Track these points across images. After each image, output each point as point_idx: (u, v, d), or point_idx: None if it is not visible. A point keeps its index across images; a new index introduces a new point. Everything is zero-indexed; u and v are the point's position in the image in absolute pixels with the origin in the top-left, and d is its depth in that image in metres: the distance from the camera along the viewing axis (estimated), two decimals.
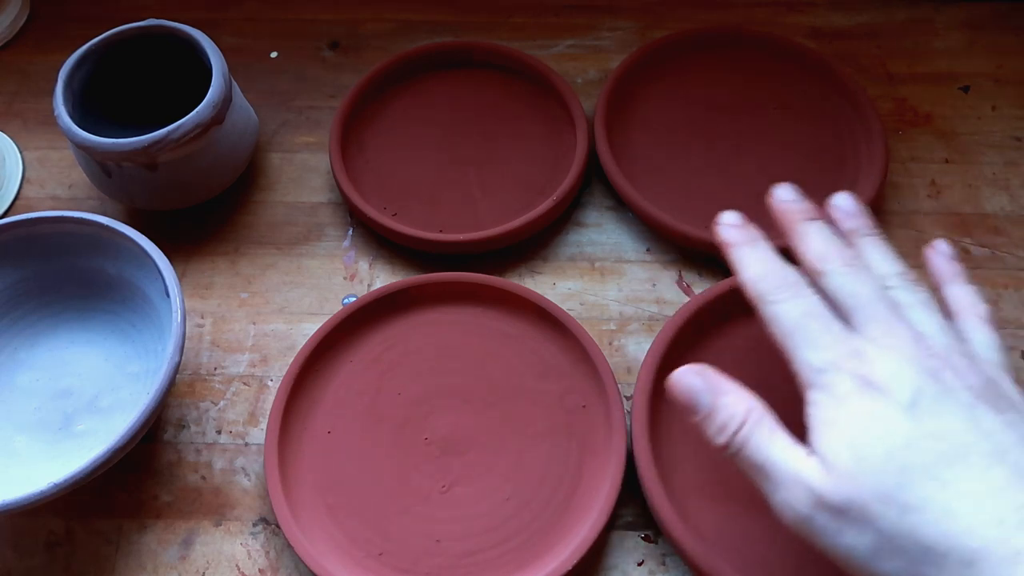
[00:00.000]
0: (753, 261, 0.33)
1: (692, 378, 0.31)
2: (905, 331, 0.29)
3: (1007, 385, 0.29)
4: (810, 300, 0.30)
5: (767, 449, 0.29)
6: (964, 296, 0.34)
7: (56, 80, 0.47)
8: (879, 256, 0.33)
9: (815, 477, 0.27)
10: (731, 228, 0.35)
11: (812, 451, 0.28)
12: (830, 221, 0.35)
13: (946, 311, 0.33)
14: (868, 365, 0.28)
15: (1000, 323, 0.47)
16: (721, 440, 0.30)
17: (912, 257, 0.49)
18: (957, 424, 0.26)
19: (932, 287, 0.34)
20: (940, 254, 0.36)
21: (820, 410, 0.28)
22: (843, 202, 0.36)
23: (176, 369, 0.40)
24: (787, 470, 0.28)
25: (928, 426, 0.26)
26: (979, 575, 0.24)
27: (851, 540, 0.26)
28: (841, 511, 0.26)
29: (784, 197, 0.35)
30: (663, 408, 0.43)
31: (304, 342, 0.45)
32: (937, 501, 0.25)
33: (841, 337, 0.29)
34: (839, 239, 0.33)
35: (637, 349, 0.47)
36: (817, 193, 0.51)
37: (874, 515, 0.26)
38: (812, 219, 0.34)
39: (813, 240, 0.33)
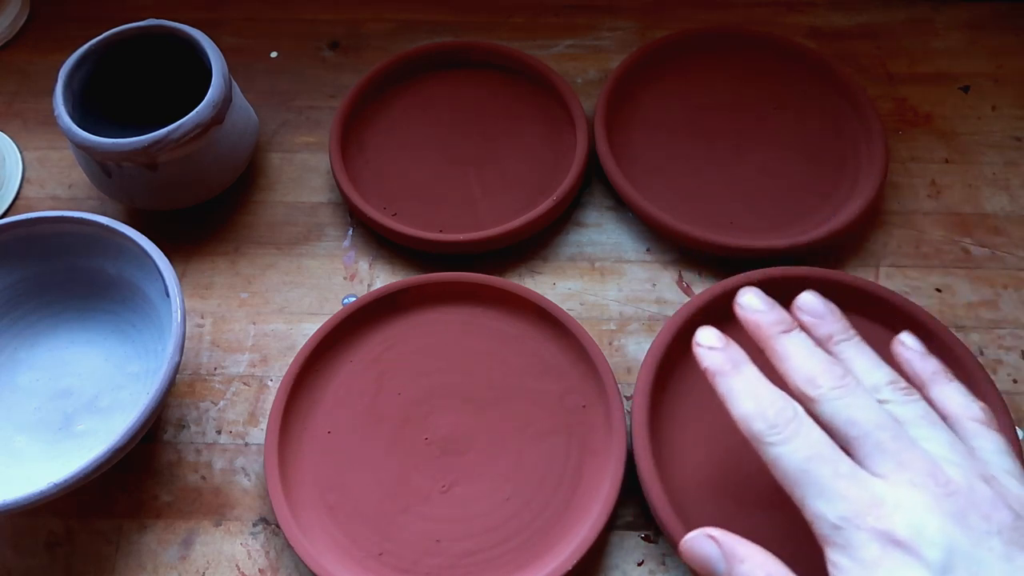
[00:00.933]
0: (743, 395, 0.30)
1: (705, 545, 0.29)
2: (918, 461, 0.27)
3: None
4: (813, 439, 0.28)
5: None
6: (954, 398, 0.31)
7: (56, 80, 0.47)
8: (864, 364, 0.31)
9: None
10: (712, 352, 0.32)
11: None
12: (802, 326, 0.33)
13: (939, 414, 0.31)
14: (888, 518, 0.26)
15: (1000, 323, 0.47)
16: None
17: (911, 257, 0.50)
18: None
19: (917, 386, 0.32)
20: (911, 351, 0.33)
21: (842, 569, 0.26)
22: (810, 304, 0.33)
23: (176, 369, 0.40)
24: None
25: None
26: None
27: None
28: None
29: (753, 307, 0.33)
30: (663, 408, 0.43)
31: (304, 342, 0.45)
32: None
33: (854, 482, 0.27)
34: (820, 351, 0.31)
35: (637, 349, 0.47)
36: (817, 193, 0.51)
37: None
38: (787, 331, 0.31)
39: (795, 359, 0.30)
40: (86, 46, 0.49)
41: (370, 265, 0.51)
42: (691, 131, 0.54)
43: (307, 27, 0.63)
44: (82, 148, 0.46)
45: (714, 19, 0.62)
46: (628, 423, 0.42)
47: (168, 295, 0.41)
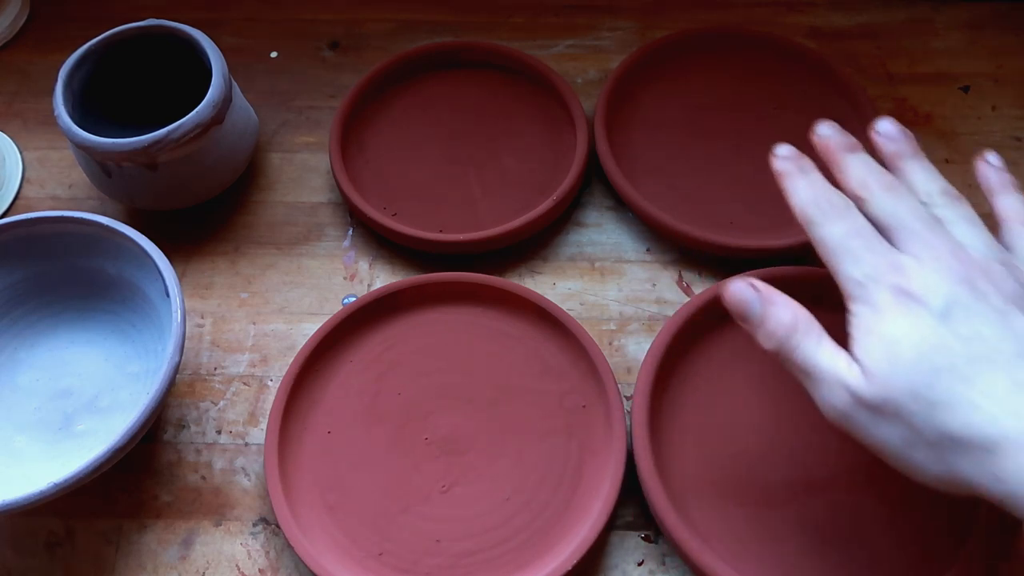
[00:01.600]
0: (802, 188, 0.34)
1: (744, 289, 0.33)
2: (944, 244, 0.31)
3: None
4: (855, 221, 0.32)
5: (813, 355, 0.31)
6: (1011, 205, 0.35)
7: (56, 80, 0.47)
8: (922, 176, 0.35)
9: (854, 380, 0.29)
10: (783, 160, 0.36)
11: (853, 358, 0.30)
12: (873, 152, 0.36)
13: (994, 223, 0.34)
14: (906, 277, 0.30)
15: None
16: (770, 346, 0.32)
17: None
18: (986, 327, 0.29)
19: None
20: (990, 166, 0.37)
21: (860, 320, 0.30)
22: (885, 127, 0.37)
23: (176, 369, 0.40)
24: (830, 373, 0.30)
25: (959, 330, 0.29)
26: (1000, 460, 0.26)
27: (886, 434, 0.29)
28: (877, 408, 0.29)
29: (825, 132, 0.37)
30: (663, 408, 0.43)
31: (304, 342, 0.45)
32: (963, 397, 0.27)
33: (882, 252, 0.31)
34: (880, 166, 0.35)
35: (637, 349, 0.47)
36: None
37: (906, 411, 0.28)
38: (853, 151, 0.35)
39: (854, 169, 0.34)
40: (86, 46, 0.49)
41: (370, 265, 0.51)
42: (691, 131, 0.54)
43: (307, 27, 0.63)
44: (82, 148, 0.46)
45: (714, 19, 0.62)
46: (628, 423, 0.42)
47: (168, 295, 0.41)
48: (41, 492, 0.36)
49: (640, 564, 0.40)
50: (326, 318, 0.46)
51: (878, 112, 0.52)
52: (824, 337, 0.32)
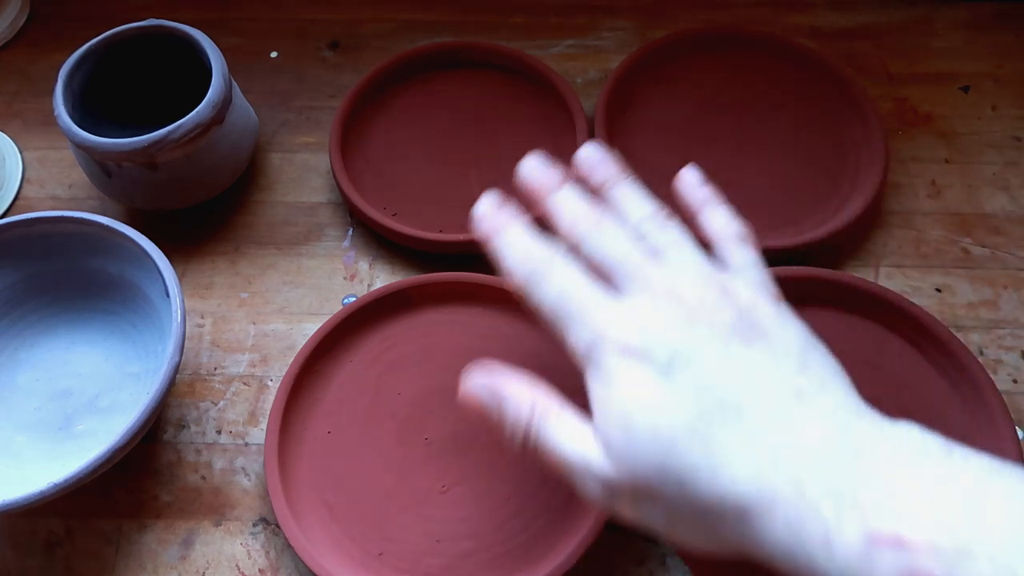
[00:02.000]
0: (508, 250, 0.31)
1: (476, 383, 0.30)
2: (660, 281, 0.28)
3: (762, 309, 0.28)
4: (565, 273, 0.29)
5: (555, 441, 0.27)
6: (716, 220, 0.33)
7: (56, 80, 0.47)
8: (631, 201, 0.32)
9: (600, 463, 0.26)
10: (482, 221, 0.32)
11: (596, 436, 0.27)
12: (581, 181, 0.33)
13: (704, 241, 0.32)
14: (627, 330, 0.27)
15: (1000, 323, 0.47)
16: (516, 444, 0.28)
17: (911, 257, 0.50)
18: (710, 375, 0.26)
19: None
20: (687, 184, 0.35)
21: (593, 388, 0.27)
22: (587, 153, 0.34)
23: (176, 369, 0.40)
24: (577, 460, 0.27)
25: (685, 384, 0.26)
26: (753, 523, 0.24)
27: (647, 515, 0.26)
28: (630, 492, 0.26)
29: (525, 172, 0.34)
30: None
31: (304, 342, 0.45)
32: (703, 463, 0.24)
33: (602, 305, 0.28)
34: (589, 199, 0.32)
35: None
36: (817, 193, 0.51)
37: (657, 491, 0.25)
38: (559, 188, 0.32)
39: (562, 211, 0.31)
40: (86, 46, 0.49)
41: (370, 265, 0.51)
42: (691, 131, 0.54)
43: (307, 27, 0.63)
44: (82, 148, 0.46)
45: (714, 19, 0.62)
46: None
47: (168, 295, 0.41)
48: (41, 492, 0.36)
49: (640, 564, 0.40)
50: (326, 318, 0.46)
51: (878, 112, 0.52)
52: (563, 414, 0.28)
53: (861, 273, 0.49)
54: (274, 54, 0.62)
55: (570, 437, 0.27)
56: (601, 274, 0.30)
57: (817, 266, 0.46)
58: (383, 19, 0.63)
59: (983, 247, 0.50)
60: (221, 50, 0.49)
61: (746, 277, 0.30)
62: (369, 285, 0.50)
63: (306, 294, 0.50)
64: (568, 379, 0.44)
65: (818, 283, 0.45)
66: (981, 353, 0.46)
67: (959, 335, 0.45)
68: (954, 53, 0.59)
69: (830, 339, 0.45)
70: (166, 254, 0.43)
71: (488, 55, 0.57)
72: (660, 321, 0.27)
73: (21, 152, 0.57)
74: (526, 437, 0.28)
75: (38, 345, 0.46)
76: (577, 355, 0.28)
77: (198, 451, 0.45)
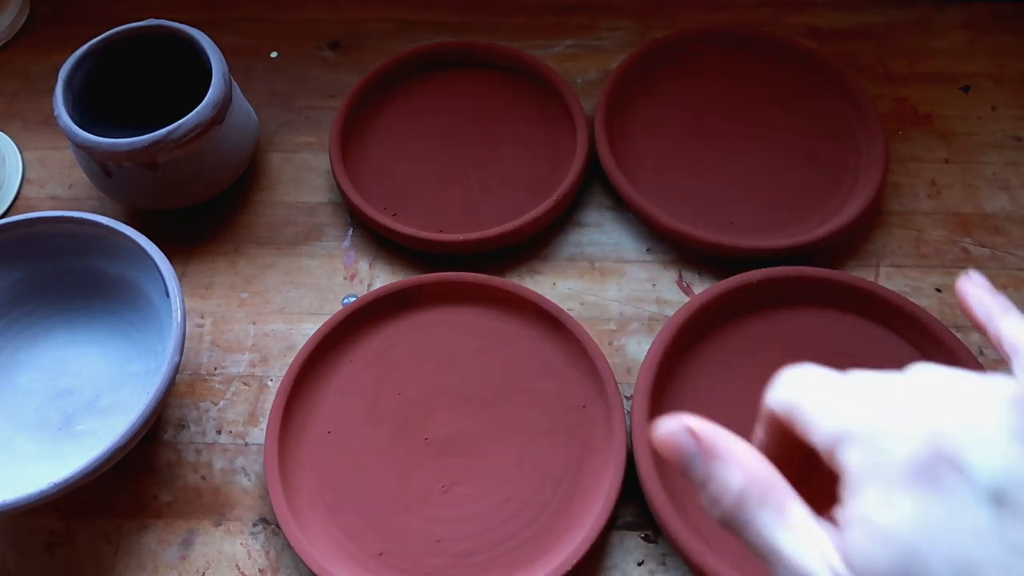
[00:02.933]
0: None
1: (683, 437, 0.24)
2: None
3: None
4: None
5: (771, 535, 0.22)
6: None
7: (56, 80, 0.47)
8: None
9: None
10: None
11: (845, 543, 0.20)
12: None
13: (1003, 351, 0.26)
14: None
15: None
16: (715, 514, 0.23)
17: (911, 257, 0.50)
18: None
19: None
20: (977, 285, 0.29)
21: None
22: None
23: (176, 369, 0.40)
24: (795, 565, 0.21)
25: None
26: None
27: None
28: None
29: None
30: (663, 408, 0.43)
31: (304, 342, 0.45)
32: None
33: None
34: None
35: (637, 349, 0.47)
36: (817, 193, 0.51)
37: None
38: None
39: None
40: (86, 46, 0.49)
41: (370, 265, 0.51)
42: (691, 131, 0.54)
43: (307, 27, 0.63)
44: (82, 148, 0.46)
45: (714, 19, 0.62)
46: (628, 423, 0.42)
47: (168, 295, 0.41)
48: (41, 492, 0.36)
49: (640, 564, 0.40)
50: (326, 318, 0.46)
51: (878, 112, 0.53)
52: (791, 508, 0.22)
53: (861, 273, 0.49)
54: (274, 54, 0.62)
55: (793, 534, 0.21)
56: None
57: (817, 266, 0.46)
58: (383, 19, 0.63)
59: (983, 247, 0.50)
60: (221, 50, 0.49)
61: None
62: (369, 285, 0.50)
63: (306, 294, 0.50)
64: (567, 379, 0.44)
65: (818, 283, 0.45)
66: (981, 353, 0.46)
67: (959, 335, 0.45)
68: (954, 53, 0.59)
69: (830, 339, 0.46)
70: (166, 254, 0.43)
71: (488, 55, 0.57)
72: None
73: (21, 152, 0.57)
74: (730, 513, 0.23)
75: (38, 345, 0.46)
76: None
77: (198, 451, 0.44)
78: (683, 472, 0.24)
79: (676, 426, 0.24)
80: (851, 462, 0.20)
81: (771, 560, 0.22)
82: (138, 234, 0.43)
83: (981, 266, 0.49)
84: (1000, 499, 0.18)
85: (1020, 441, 0.18)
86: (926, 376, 0.21)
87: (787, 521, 0.22)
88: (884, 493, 0.19)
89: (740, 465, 0.23)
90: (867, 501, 0.20)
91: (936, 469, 0.19)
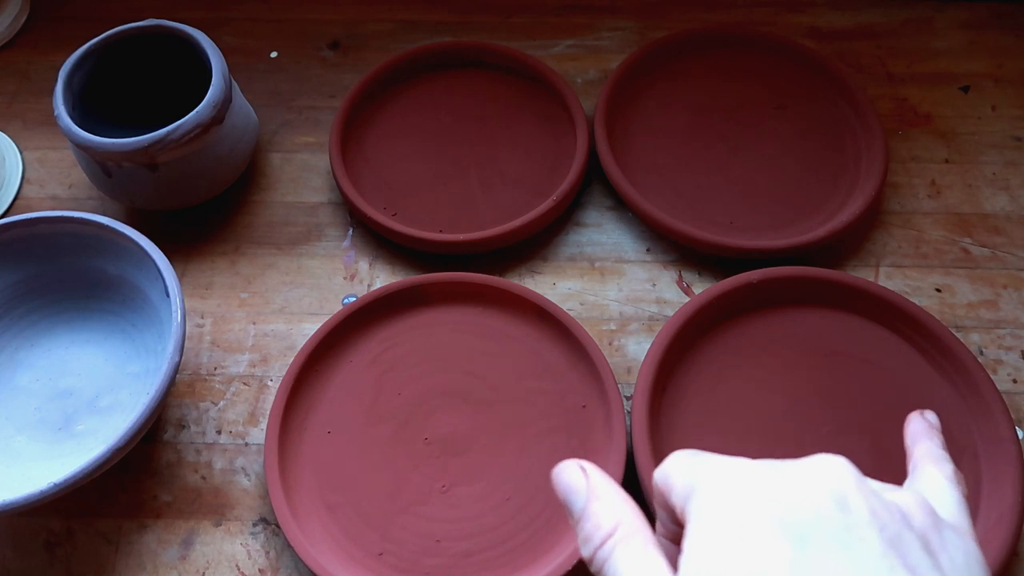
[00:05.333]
0: None
1: (573, 475, 0.27)
2: None
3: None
4: None
5: (625, 570, 0.23)
6: (930, 449, 0.30)
7: (56, 80, 0.47)
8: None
9: None
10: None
11: None
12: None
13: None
14: None
15: (1000, 323, 0.47)
16: (585, 552, 0.25)
17: (911, 257, 0.50)
18: None
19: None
20: (924, 420, 0.31)
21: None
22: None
23: (176, 369, 0.40)
24: None
25: None
26: None
27: None
28: None
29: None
30: (663, 408, 0.43)
31: (304, 342, 0.45)
32: None
33: None
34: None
35: (637, 349, 0.47)
36: (817, 193, 0.51)
37: None
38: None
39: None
40: (86, 46, 0.49)
41: (370, 265, 0.51)
42: (691, 131, 0.54)
43: (307, 27, 0.63)
44: (82, 148, 0.46)
45: (714, 19, 0.62)
46: (628, 423, 0.42)
47: (168, 295, 0.41)
48: (41, 492, 0.36)
49: None
50: (326, 318, 0.46)
51: (878, 112, 0.53)
52: (647, 553, 0.23)
53: (861, 273, 0.49)
54: (274, 54, 0.62)
55: (645, 571, 0.23)
56: None
57: (817, 266, 0.46)
58: (383, 19, 0.63)
59: (983, 247, 0.50)
60: (221, 50, 0.49)
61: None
62: (369, 285, 0.50)
63: (306, 294, 0.50)
64: (567, 379, 0.44)
65: (818, 283, 0.45)
66: (981, 353, 0.46)
67: (959, 335, 0.45)
68: (954, 53, 0.59)
69: (830, 339, 0.46)
70: (166, 254, 0.43)
71: (488, 55, 0.57)
72: None
73: (21, 152, 0.57)
74: (596, 551, 0.24)
75: (38, 345, 0.46)
76: None
77: (198, 451, 0.44)
78: (566, 508, 0.26)
79: (573, 464, 0.27)
80: (690, 511, 0.23)
81: None
82: (138, 234, 0.43)
83: (981, 266, 0.49)
84: (803, 539, 0.20)
85: (831, 503, 0.21)
86: (801, 464, 0.23)
87: (640, 564, 0.23)
88: (710, 540, 0.21)
89: (614, 506, 0.25)
90: (697, 547, 0.22)
91: (758, 518, 0.21)
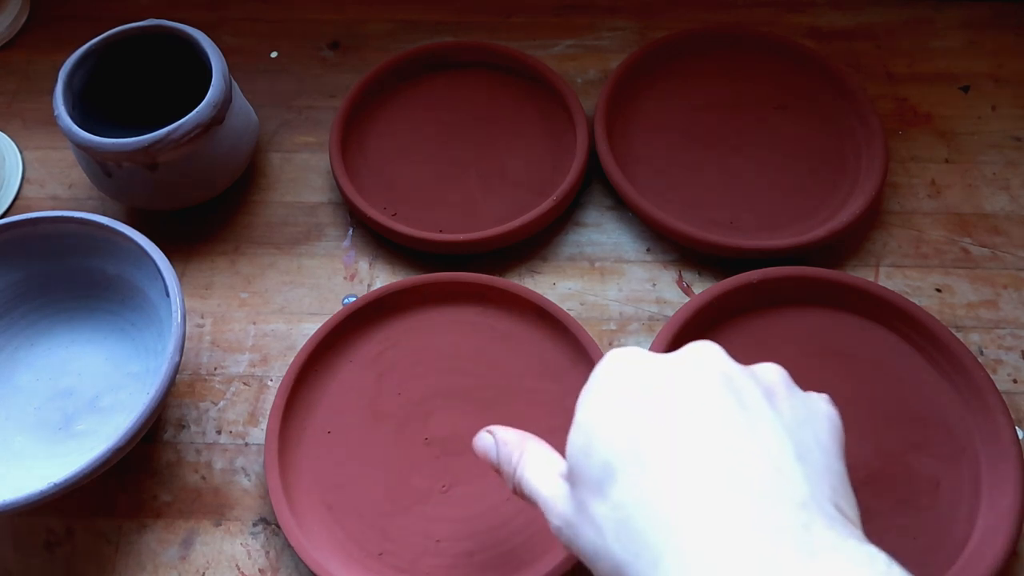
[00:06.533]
0: None
1: (484, 439, 0.32)
2: None
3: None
4: None
5: (531, 480, 0.29)
6: None
7: (56, 80, 0.47)
8: None
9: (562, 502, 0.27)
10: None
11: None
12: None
13: None
14: None
15: (1000, 323, 0.47)
16: (510, 486, 0.30)
17: (911, 257, 0.50)
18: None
19: None
20: None
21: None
22: None
23: (176, 369, 0.40)
24: (538, 492, 0.28)
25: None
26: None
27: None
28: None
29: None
30: None
31: (304, 342, 0.45)
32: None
33: None
34: None
35: None
36: (817, 193, 0.51)
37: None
38: None
39: None
40: (86, 46, 0.49)
41: (370, 265, 0.51)
42: (691, 131, 0.54)
43: (307, 27, 0.63)
44: (82, 148, 0.46)
45: (714, 19, 0.62)
46: None
47: (168, 295, 0.41)
48: (41, 492, 0.36)
49: None
50: (326, 318, 0.46)
51: (878, 112, 0.53)
52: (541, 458, 0.29)
53: (861, 273, 0.49)
54: (274, 54, 0.62)
55: (542, 475, 0.28)
56: None
57: (817, 266, 0.46)
58: (383, 19, 0.63)
59: (983, 247, 0.50)
60: (221, 50, 0.49)
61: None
62: (369, 285, 0.50)
63: (306, 294, 0.50)
64: (567, 379, 0.44)
65: (818, 283, 0.45)
66: (981, 353, 0.46)
67: (959, 335, 0.45)
68: (954, 53, 0.59)
69: (830, 339, 0.46)
70: (166, 254, 0.43)
71: (488, 55, 0.57)
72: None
73: (21, 152, 0.57)
74: (512, 476, 0.30)
75: (38, 345, 0.46)
76: None
77: (198, 451, 0.45)
78: (489, 464, 0.32)
79: (482, 431, 0.32)
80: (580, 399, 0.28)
81: (538, 504, 0.28)
82: (138, 234, 0.43)
83: (981, 266, 0.49)
84: (653, 386, 0.26)
85: (688, 361, 0.27)
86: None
87: (540, 464, 0.29)
88: (583, 405, 0.27)
89: (518, 443, 0.31)
90: (577, 411, 0.27)
91: (610, 379, 0.27)
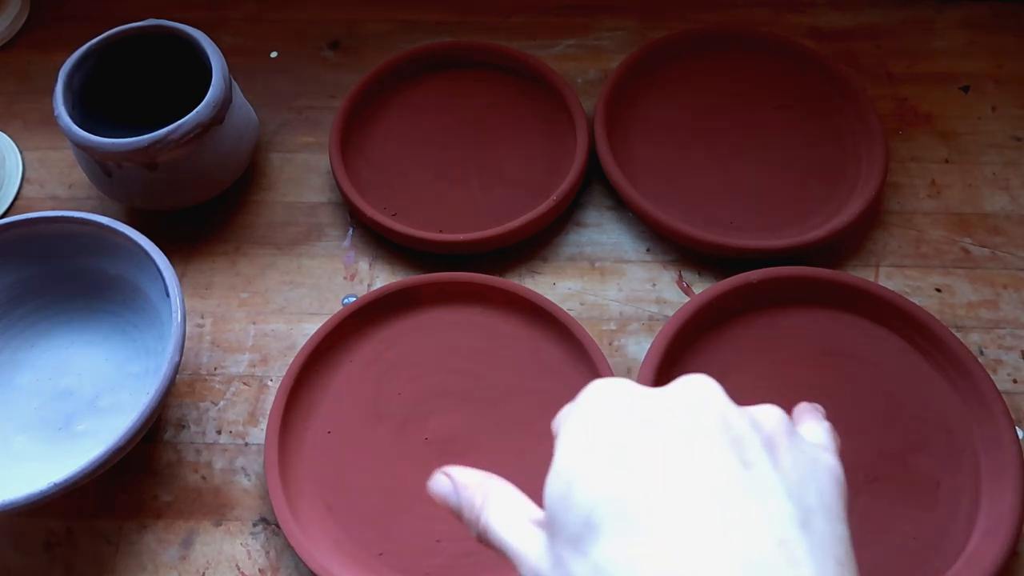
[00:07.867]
0: None
1: (440, 481, 0.29)
2: None
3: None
4: None
5: (498, 528, 0.26)
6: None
7: (56, 80, 0.47)
8: None
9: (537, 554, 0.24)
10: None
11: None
12: None
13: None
14: None
15: (1000, 323, 0.47)
16: (474, 533, 0.27)
17: (911, 257, 0.50)
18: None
19: None
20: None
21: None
22: None
23: (176, 369, 0.40)
24: (514, 548, 0.25)
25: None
26: None
27: None
28: None
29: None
30: None
31: (304, 342, 0.45)
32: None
33: None
34: None
35: (637, 349, 0.47)
36: (817, 193, 0.51)
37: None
38: None
39: None
40: (86, 46, 0.49)
41: (370, 265, 0.51)
42: (691, 131, 0.54)
43: (307, 27, 0.63)
44: (82, 148, 0.46)
45: (714, 19, 0.62)
46: None
47: (168, 295, 0.41)
48: (41, 492, 0.36)
49: None
50: (326, 318, 0.46)
51: (878, 112, 0.53)
52: (510, 506, 0.26)
53: (861, 273, 0.49)
54: (274, 54, 0.62)
55: (513, 526, 0.26)
56: None
57: (817, 266, 0.46)
58: (383, 19, 0.63)
59: (983, 247, 0.50)
60: (221, 50, 0.49)
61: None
62: (369, 285, 0.50)
63: (306, 294, 0.50)
64: (567, 379, 0.44)
65: (818, 283, 0.45)
66: (981, 353, 0.46)
67: (959, 335, 0.45)
68: (954, 53, 0.59)
69: (830, 339, 0.46)
70: (166, 254, 0.43)
71: (488, 55, 0.57)
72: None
73: (21, 152, 0.57)
74: (475, 523, 0.27)
75: (38, 345, 0.46)
76: None
77: (198, 451, 0.45)
78: (449, 510, 0.29)
79: (437, 474, 0.29)
80: (560, 430, 0.26)
81: (508, 555, 0.26)
82: (138, 234, 0.43)
83: (981, 266, 0.49)
84: (651, 423, 0.23)
85: (682, 406, 0.24)
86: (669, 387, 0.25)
87: (507, 511, 0.26)
88: (563, 447, 0.25)
89: (480, 487, 0.28)
90: (556, 455, 0.25)
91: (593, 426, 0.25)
